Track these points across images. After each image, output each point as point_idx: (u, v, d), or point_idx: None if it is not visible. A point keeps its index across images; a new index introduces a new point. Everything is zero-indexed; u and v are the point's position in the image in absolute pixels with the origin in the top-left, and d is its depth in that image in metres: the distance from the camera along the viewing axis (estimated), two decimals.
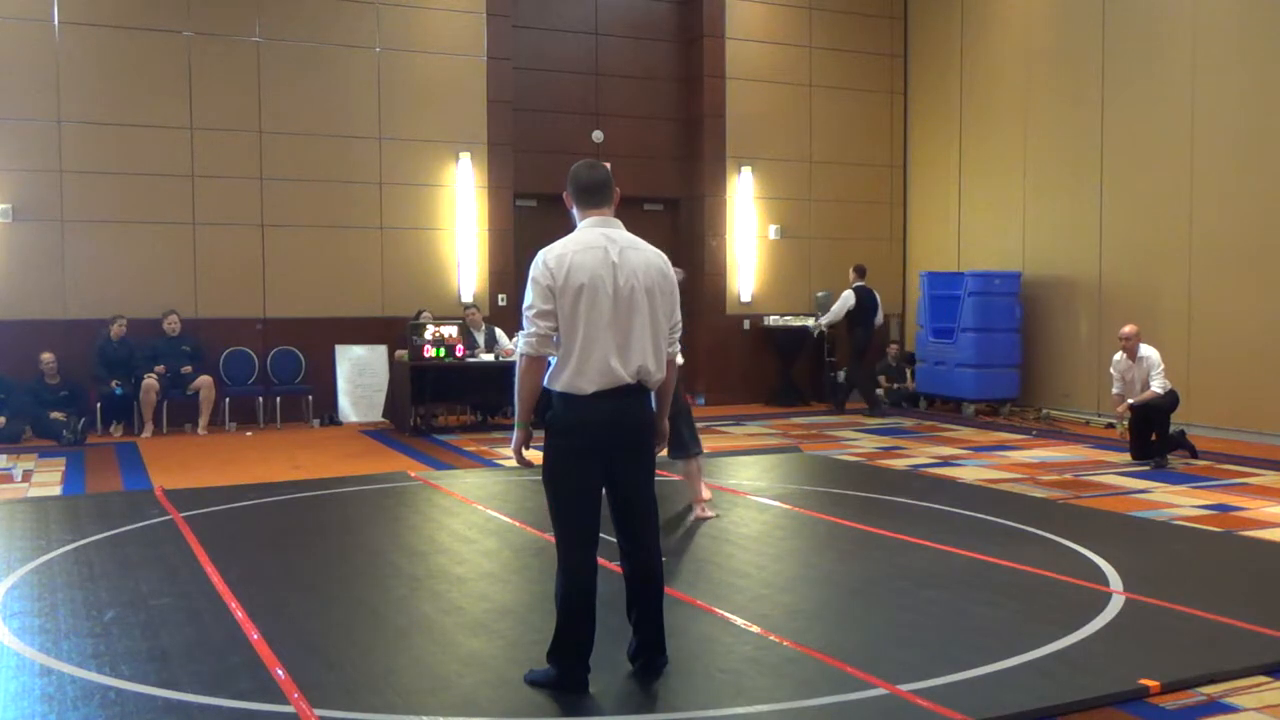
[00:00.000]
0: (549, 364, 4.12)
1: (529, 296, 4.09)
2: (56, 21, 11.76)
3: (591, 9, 14.30)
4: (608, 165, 4.38)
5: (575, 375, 4.05)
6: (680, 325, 4.33)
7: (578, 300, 4.02)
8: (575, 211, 4.27)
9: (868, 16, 15.46)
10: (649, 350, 4.12)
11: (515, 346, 4.23)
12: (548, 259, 4.08)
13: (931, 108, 15.29)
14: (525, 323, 4.10)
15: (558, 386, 4.09)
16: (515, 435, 4.23)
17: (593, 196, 4.22)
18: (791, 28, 15.06)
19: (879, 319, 14.05)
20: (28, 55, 11.64)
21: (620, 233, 4.20)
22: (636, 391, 4.14)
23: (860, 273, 13.88)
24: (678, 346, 4.33)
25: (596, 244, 4.11)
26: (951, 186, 14.98)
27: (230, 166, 12.39)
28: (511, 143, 13.58)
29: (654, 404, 4.34)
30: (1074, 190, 13.10)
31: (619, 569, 4.32)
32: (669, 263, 4.30)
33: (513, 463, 8.62)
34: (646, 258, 4.18)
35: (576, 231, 4.20)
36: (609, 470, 4.15)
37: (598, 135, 14.19)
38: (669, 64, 14.78)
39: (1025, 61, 13.81)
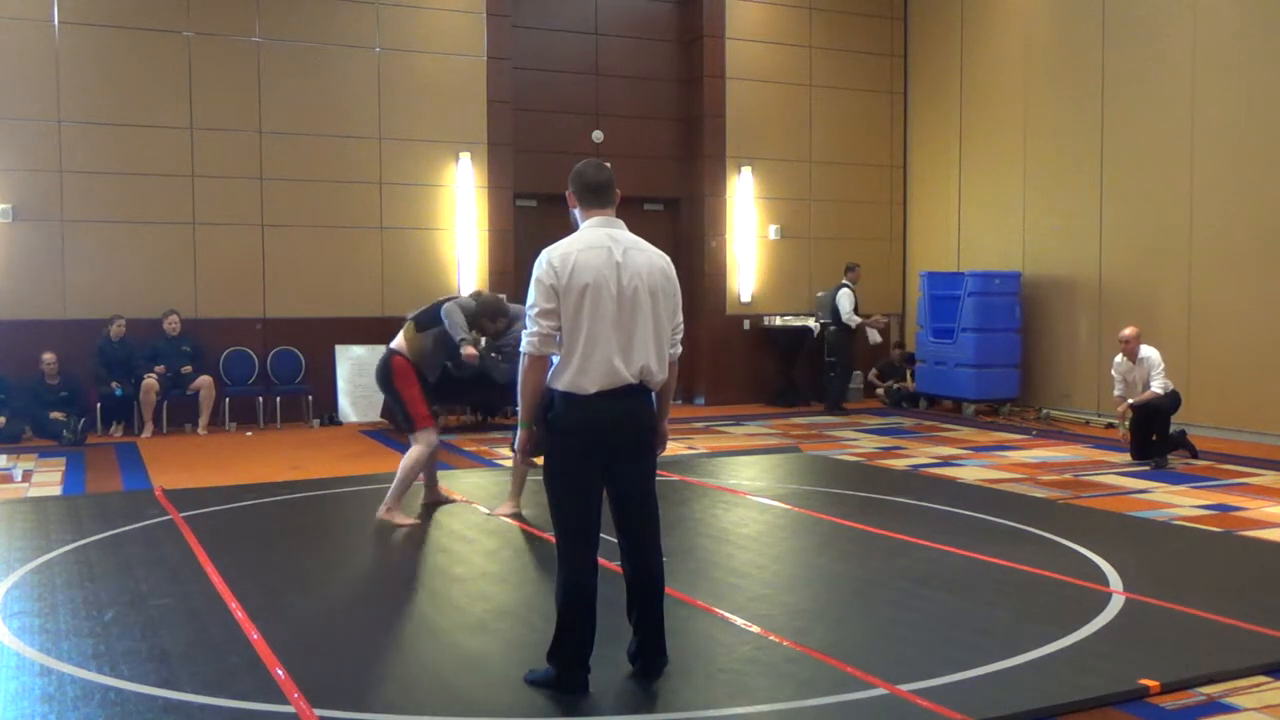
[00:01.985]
0: (551, 363, 4.12)
1: (532, 295, 4.09)
2: (56, 21, 11.76)
3: (591, 9, 14.30)
4: (609, 166, 4.39)
5: (578, 375, 4.04)
6: (681, 326, 4.32)
7: (581, 300, 4.02)
8: (577, 211, 4.27)
9: (868, 16, 15.46)
10: (651, 351, 4.12)
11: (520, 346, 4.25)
12: (552, 258, 4.08)
13: (931, 108, 15.30)
14: (528, 322, 4.10)
15: (560, 386, 4.09)
16: (519, 435, 4.24)
17: (598, 196, 4.23)
18: (791, 28, 15.06)
19: (843, 316, 13.85)
20: (28, 55, 11.64)
21: (624, 233, 4.20)
22: (639, 392, 4.13)
23: (844, 270, 14.14)
24: (679, 349, 4.33)
25: (600, 244, 4.11)
26: (951, 186, 14.98)
27: (230, 166, 12.39)
28: (511, 143, 13.58)
29: (655, 406, 4.32)
30: (1074, 190, 13.10)
31: (619, 569, 4.32)
32: (671, 264, 4.31)
33: (511, 461, 8.61)
34: (650, 258, 4.19)
35: (580, 231, 4.20)
36: (610, 470, 4.15)
37: (598, 135, 14.19)
38: (669, 64, 14.78)
39: (1025, 61, 13.82)
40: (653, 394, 4.24)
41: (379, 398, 12.62)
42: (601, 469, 4.13)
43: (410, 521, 7.10)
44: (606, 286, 4.04)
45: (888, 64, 15.64)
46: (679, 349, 4.33)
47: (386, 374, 7.18)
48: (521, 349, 4.14)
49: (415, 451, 7.15)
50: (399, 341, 7.19)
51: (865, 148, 15.52)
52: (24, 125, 11.63)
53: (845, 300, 13.82)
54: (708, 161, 14.59)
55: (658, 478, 4.34)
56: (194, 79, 12.25)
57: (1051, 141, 13.44)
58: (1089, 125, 12.85)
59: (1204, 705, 4.08)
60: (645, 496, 4.24)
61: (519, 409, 4.22)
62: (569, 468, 4.12)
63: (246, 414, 12.40)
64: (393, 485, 7.20)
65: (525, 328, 4.13)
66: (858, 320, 13.79)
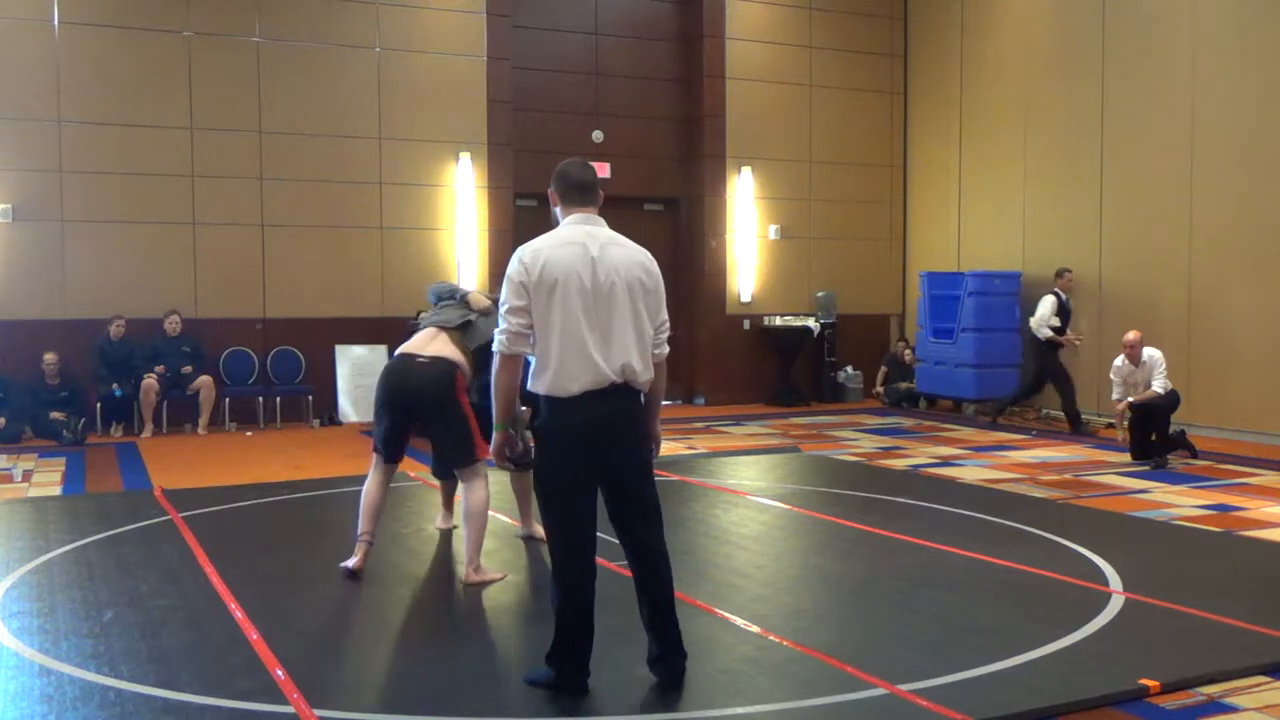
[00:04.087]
0: (527, 363, 4.05)
1: (504, 293, 4.03)
2: (56, 21, 11.76)
3: (591, 9, 14.29)
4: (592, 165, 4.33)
5: (557, 375, 3.95)
6: (667, 325, 4.21)
7: (551, 297, 3.94)
8: (559, 209, 4.20)
9: (868, 16, 15.46)
10: (633, 348, 4.01)
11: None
12: (523, 255, 4.02)
13: (931, 108, 15.29)
14: (500, 320, 4.03)
15: (542, 389, 4.00)
16: (494, 438, 4.13)
17: (582, 195, 4.16)
18: (791, 28, 15.05)
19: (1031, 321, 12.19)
20: (28, 55, 11.64)
21: (603, 230, 4.12)
22: (626, 392, 4.04)
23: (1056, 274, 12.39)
24: (665, 348, 4.22)
25: (576, 240, 4.03)
26: (951, 186, 14.98)
27: (230, 166, 12.39)
28: (511, 143, 13.58)
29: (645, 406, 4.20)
30: (1074, 190, 13.09)
31: (623, 570, 4.28)
32: (653, 260, 4.19)
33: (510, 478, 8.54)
34: (629, 254, 4.09)
35: (558, 229, 4.15)
36: (605, 474, 4.07)
37: (598, 135, 14.18)
38: (669, 64, 14.77)
39: (1025, 61, 13.81)
40: (642, 395, 4.13)
41: None
42: (594, 473, 4.04)
43: (499, 575, 5.89)
44: (579, 283, 3.95)
45: (888, 64, 15.64)
46: (665, 348, 4.21)
47: (448, 389, 5.71)
48: (494, 348, 4.07)
49: (483, 493, 5.77)
50: (453, 352, 5.81)
51: (865, 148, 15.52)
52: (24, 125, 11.63)
53: (1043, 305, 12.06)
54: (708, 161, 14.59)
55: (656, 478, 4.32)
56: (194, 79, 12.25)
57: (1051, 141, 13.43)
58: (1089, 125, 12.85)
59: (1204, 705, 4.08)
60: (643, 495, 4.15)
61: (492, 410, 4.12)
62: (560, 473, 4.03)
63: (246, 414, 12.39)
64: (469, 542, 5.77)
65: (496, 325, 4.05)
66: (1046, 332, 11.91)
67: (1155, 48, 12.11)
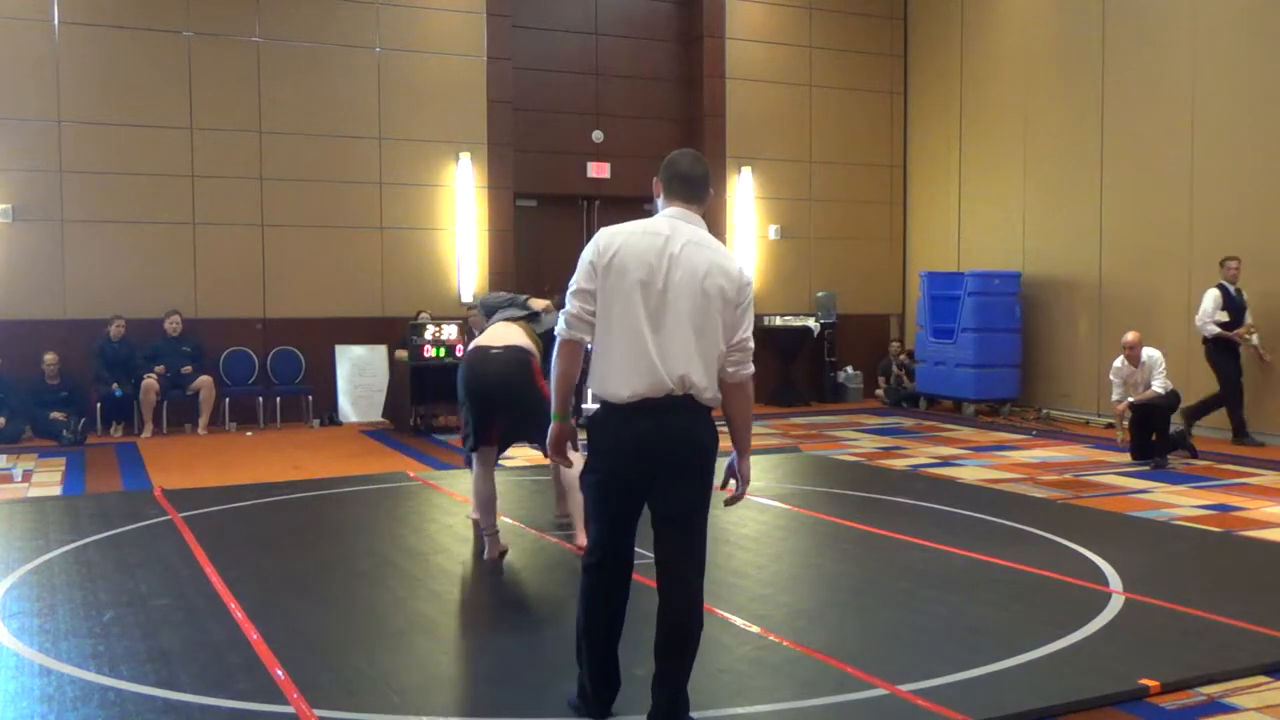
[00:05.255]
0: (587, 349, 3.78)
1: (576, 274, 3.74)
2: (56, 21, 11.76)
3: (591, 9, 14.29)
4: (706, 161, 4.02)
5: (610, 374, 3.64)
6: (749, 343, 3.74)
7: (618, 285, 3.63)
8: (660, 201, 3.89)
9: (868, 16, 15.46)
10: (695, 359, 3.62)
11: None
12: (599, 237, 3.73)
13: (931, 108, 15.29)
14: (566, 301, 3.74)
15: (594, 385, 3.71)
16: (551, 429, 3.80)
17: (686, 188, 3.85)
18: (791, 28, 15.06)
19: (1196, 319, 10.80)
20: (28, 55, 11.64)
21: (695, 229, 3.75)
22: (687, 407, 3.64)
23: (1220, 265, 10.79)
24: (749, 367, 3.76)
25: (659, 231, 3.71)
26: (951, 186, 14.98)
27: (230, 166, 12.39)
28: (511, 143, 13.57)
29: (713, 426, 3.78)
30: (1074, 190, 13.09)
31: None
32: (744, 272, 3.76)
33: (515, 462, 8.54)
34: (712, 257, 3.69)
35: (649, 218, 3.83)
36: (652, 489, 3.68)
37: (598, 135, 14.18)
38: (669, 64, 14.77)
39: (1025, 61, 13.81)
40: (710, 411, 3.71)
41: (379, 398, 12.62)
42: (639, 489, 3.68)
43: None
44: (648, 274, 3.62)
45: (888, 64, 15.64)
46: (748, 367, 3.75)
47: (526, 375, 5.91)
48: (555, 332, 3.82)
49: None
50: (525, 341, 6.08)
51: (865, 148, 15.52)
52: (24, 125, 11.63)
53: (1206, 299, 10.70)
54: (708, 161, 14.55)
55: None
56: (194, 79, 12.25)
57: (1052, 141, 13.43)
58: (1089, 125, 12.85)
59: (1204, 705, 4.08)
60: (688, 525, 3.69)
61: (551, 400, 3.87)
62: (600, 490, 3.73)
63: (246, 414, 12.39)
64: (576, 512, 6.25)
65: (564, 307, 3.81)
66: (1213, 329, 10.55)
67: (1155, 48, 12.11)
